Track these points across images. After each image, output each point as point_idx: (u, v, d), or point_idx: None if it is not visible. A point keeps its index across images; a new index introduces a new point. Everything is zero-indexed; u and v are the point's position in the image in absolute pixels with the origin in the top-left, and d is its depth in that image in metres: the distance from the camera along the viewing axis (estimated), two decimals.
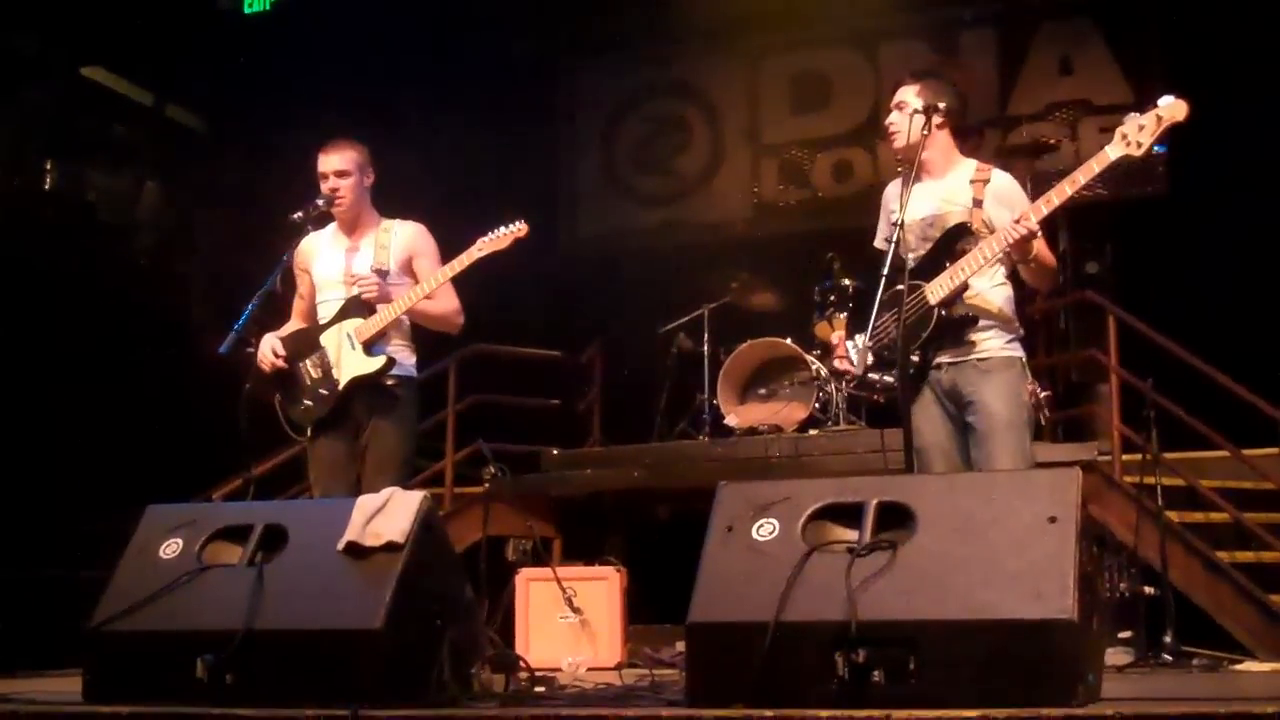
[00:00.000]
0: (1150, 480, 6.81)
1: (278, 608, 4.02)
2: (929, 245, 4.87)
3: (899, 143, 5.00)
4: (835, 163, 10.91)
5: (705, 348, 8.94)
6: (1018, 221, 4.59)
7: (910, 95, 4.97)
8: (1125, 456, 7.34)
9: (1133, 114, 4.43)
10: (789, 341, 8.55)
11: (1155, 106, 4.38)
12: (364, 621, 3.92)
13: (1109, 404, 7.58)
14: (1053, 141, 9.49)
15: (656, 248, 10.99)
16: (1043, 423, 4.86)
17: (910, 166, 4.96)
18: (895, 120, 5.00)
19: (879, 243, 5.16)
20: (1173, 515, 7.03)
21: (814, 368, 8.39)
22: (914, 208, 4.93)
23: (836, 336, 5.21)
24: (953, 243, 4.80)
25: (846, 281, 8.48)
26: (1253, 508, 7.38)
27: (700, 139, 11.40)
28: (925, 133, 4.87)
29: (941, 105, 4.91)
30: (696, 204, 11.34)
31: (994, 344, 4.81)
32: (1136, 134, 4.37)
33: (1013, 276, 4.94)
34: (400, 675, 3.97)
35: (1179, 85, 9.25)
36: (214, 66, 10.55)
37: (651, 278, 10.28)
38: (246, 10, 10.15)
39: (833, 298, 8.50)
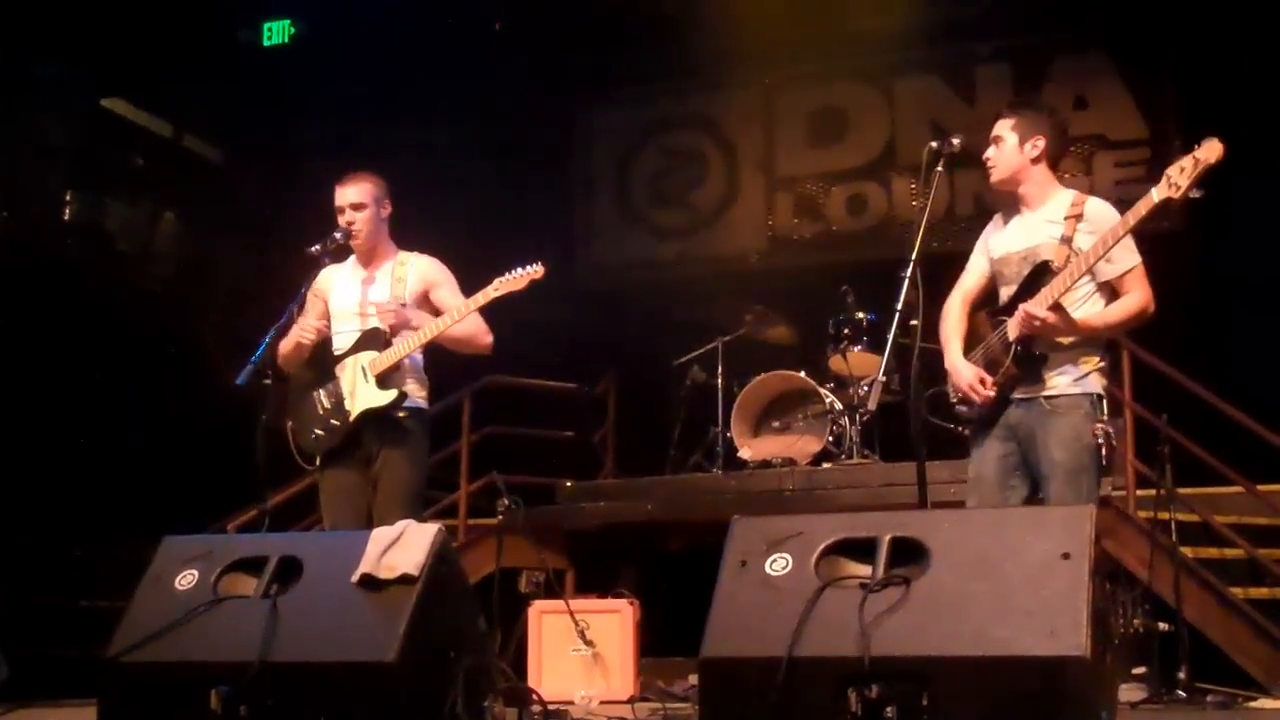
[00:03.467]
0: (1164, 516, 6.80)
1: (292, 640, 4.02)
2: (1019, 280, 4.83)
3: (995, 177, 4.95)
4: (850, 196, 10.93)
5: (719, 380, 8.95)
6: (1029, 312, 4.59)
7: (1005, 129, 4.92)
8: (1139, 492, 7.32)
9: (1179, 159, 4.41)
10: (803, 375, 8.55)
11: (1196, 147, 4.37)
12: (378, 654, 3.92)
13: (1123, 439, 7.56)
14: None
15: (671, 280, 11.01)
16: (1105, 461, 4.80)
17: (1009, 200, 4.97)
18: (990, 155, 4.94)
19: (970, 265, 5.14)
20: (1187, 551, 7.02)
21: (828, 401, 8.39)
22: (1008, 241, 4.93)
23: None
24: (1036, 280, 4.75)
25: (860, 315, 8.50)
26: (1267, 543, 7.36)
27: (715, 172, 11.43)
28: (939, 168, 4.86)
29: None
30: (711, 237, 11.36)
31: (1063, 380, 4.72)
32: (1178, 176, 4.36)
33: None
34: (414, 708, 3.97)
35: (1193, 119, 9.33)
36: (232, 99, 10.63)
37: (666, 310, 10.29)
38: (265, 44, 10.24)
39: (847, 331, 8.51)
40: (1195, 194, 4.38)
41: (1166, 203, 4.39)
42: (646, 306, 10.55)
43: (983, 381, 4.81)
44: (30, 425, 8.54)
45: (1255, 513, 7.46)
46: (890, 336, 4.78)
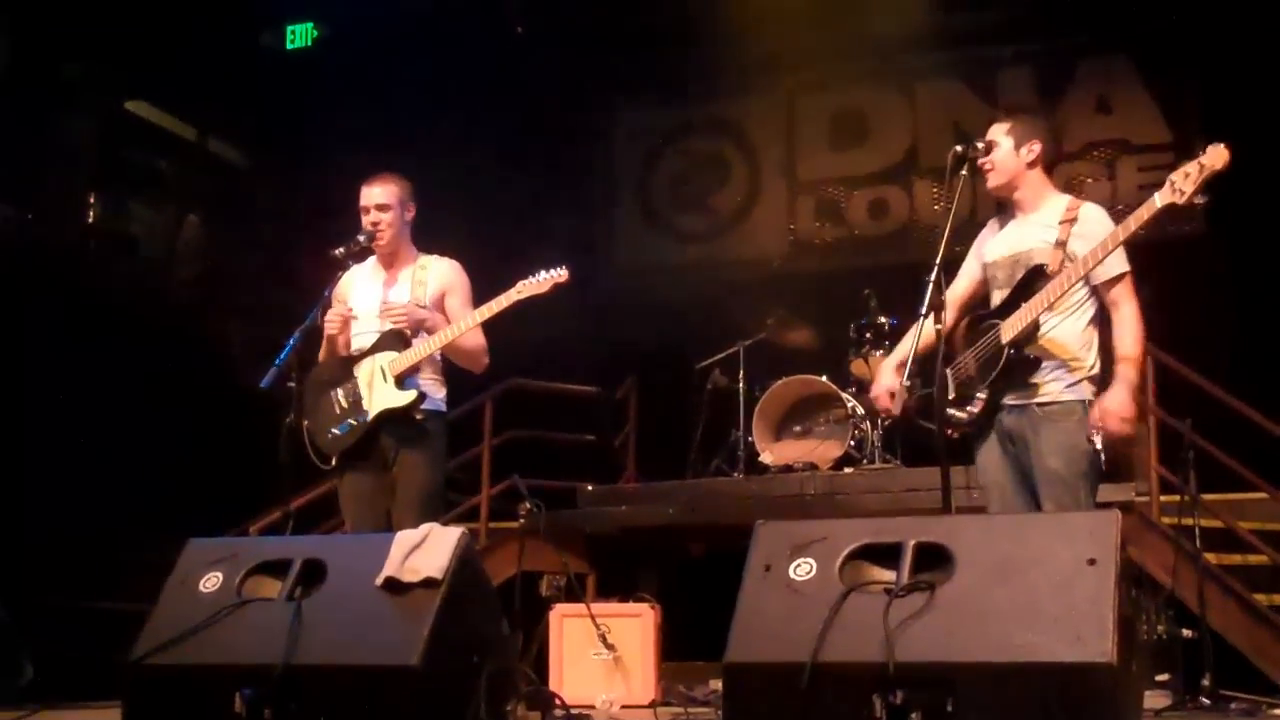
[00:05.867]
0: (1188, 522, 6.78)
1: (316, 643, 4.03)
2: (1012, 284, 4.83)
3: (992, 182, 4.96)
4: (871, 200, 10.93)
5: (740, 384, 8.93)
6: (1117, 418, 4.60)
7: (1000, 134, 4.93)
8: (1163, 498, 7.30)
9: (1184, 163, 4.41)
10: (824, 379, 8.53)
11: (1201, 153, 4.37)
12: (402, 658, 3.93)
13: (1147, 444, 7.53)
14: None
15: (693, 284, 10.99)
16: (1103, 468, 4.80)
17: (1004, 205, 4.98)
18: (988, 160, 4.94)
19: (964, 271, 5.15)
20: (1211, 557, 6.99)
21: (849, 405, 8.38)
22: (1002, 245, 4.94)
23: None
24: (1030, 284, 4.75)
25: (882, 319, 8.49)
26: None
27: (737, 176, 11.43)
28: (963, 172, 4.85)
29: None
30: (733, 241, 11.37)
31: (1056, 387, 4.73)
32: (1182, 181, 4.35)
33: (1098, 314, 4.83)
34: (437, 711, 3.97)
35: (1216, 124, 9.32)
36: (256, 101, 10.65)
37: (687, 314, 10.29)
38: (289, 46, 10.26)
39: (869, 335, 8.50)
40: (1199, 200, 4.37)
41: (1170, 208, 4.38)
42: (668, 310, 10.54)
43: (892, 396, 4.95)
44: (53, 428, 8.57)
45: (1279, 519, 7.42)
46: (913, 341, 4.79)
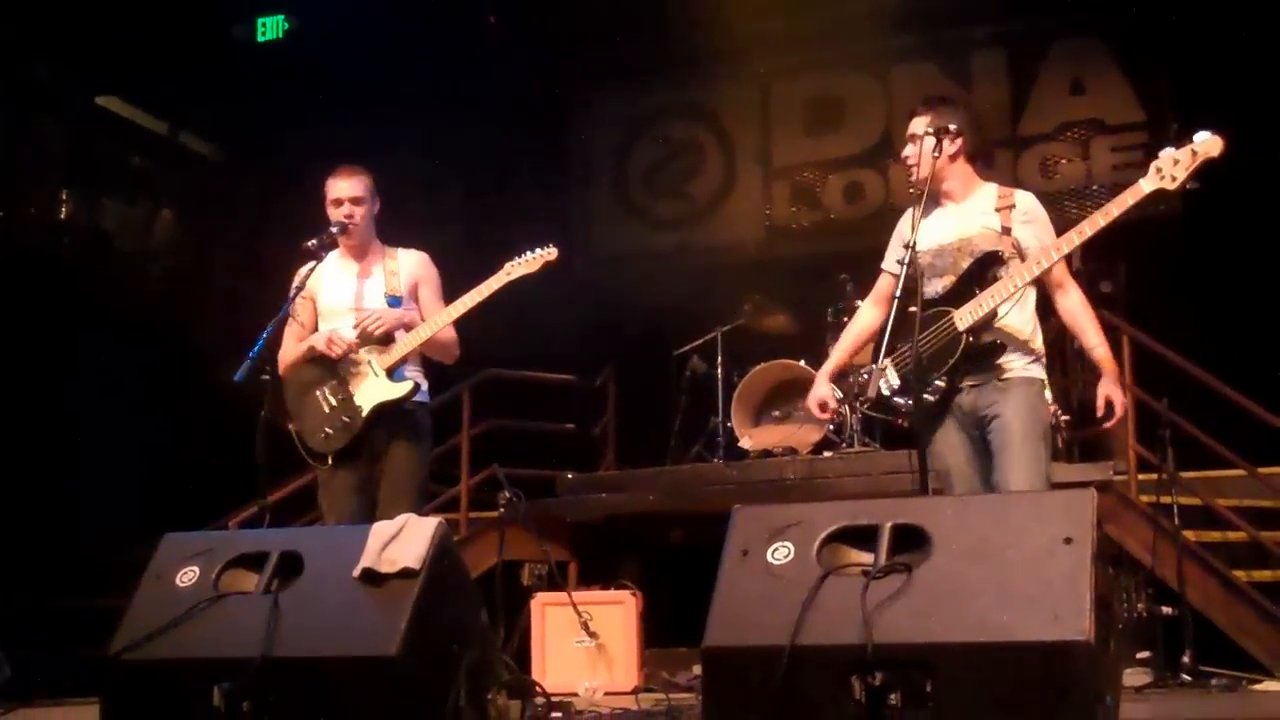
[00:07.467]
0: (1167, 499, 6.80)
1: (294, 635, 4.01)
2: (957, 271, 4.83)
3: (917, 175, 4.95)
4: (847, 184, 10.94)
5: (719, 370, 8.95)
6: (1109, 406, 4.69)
7: (921, 125, 4.94)
8: (1141, 476, 7.32)
9: (1169, 148, 4.42)
10: (802, 363, 8.54)
11: (1191, 141, 4.37)
12: (380, 648, 3.91)
13: (1124, 424, 7.55)
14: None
15: (669, 271, 11.00)
16: (1059, 445, 4.85)
17: (930, 194, 4.95)
18: (910, 153, 4.96)
19: (888, 266, 5.14)
20: (1189, 534, 7.02)
21: None
22: (937, 233, 4.92)
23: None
24: (984, 270, 4.77)
25: (859, 303, 8.48)
26: (1270, 526, 7.36)
27: (712, 162, 11.43)
28: (936, 155, 4.86)
29: (952, 127, 4.90)
30: (709, 226, 11.37)
31: (1016, 365, 4.77)
32: (1171, 168, 4.36)
33: (1038, 301, 4.89)
34: (416, 702, 3.96)
35: (1189, 104, 9.36)
36: (228, 95, 10.61)
37: (665, 301, 10.28)
38: (260, 39, 10.22)
39: (846, 319, 8.49)
40: (1190, 186, 4.40)
41: (1158, 194, 4.41)
42: (645, 297, 10.53)
43: (823, 407, 5.20)
44: (28, 425, 8.54)
45: (1257, 495, 7.46)
46: (889, 324, 4.79)
